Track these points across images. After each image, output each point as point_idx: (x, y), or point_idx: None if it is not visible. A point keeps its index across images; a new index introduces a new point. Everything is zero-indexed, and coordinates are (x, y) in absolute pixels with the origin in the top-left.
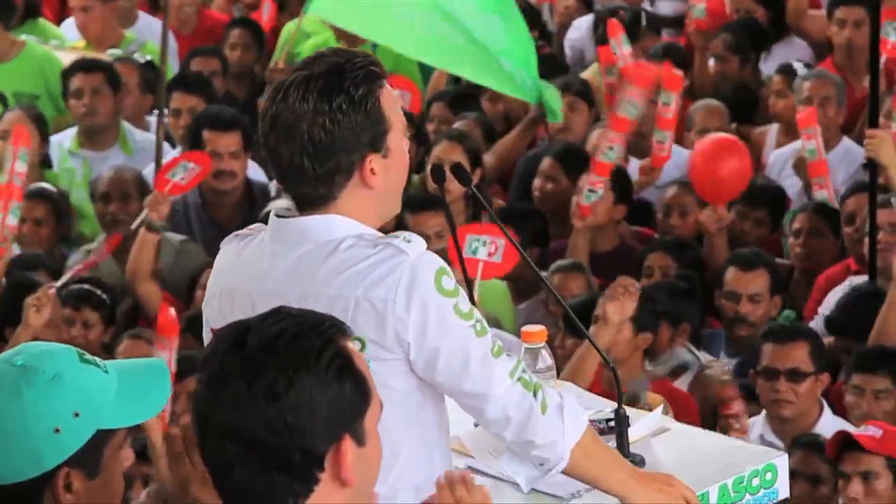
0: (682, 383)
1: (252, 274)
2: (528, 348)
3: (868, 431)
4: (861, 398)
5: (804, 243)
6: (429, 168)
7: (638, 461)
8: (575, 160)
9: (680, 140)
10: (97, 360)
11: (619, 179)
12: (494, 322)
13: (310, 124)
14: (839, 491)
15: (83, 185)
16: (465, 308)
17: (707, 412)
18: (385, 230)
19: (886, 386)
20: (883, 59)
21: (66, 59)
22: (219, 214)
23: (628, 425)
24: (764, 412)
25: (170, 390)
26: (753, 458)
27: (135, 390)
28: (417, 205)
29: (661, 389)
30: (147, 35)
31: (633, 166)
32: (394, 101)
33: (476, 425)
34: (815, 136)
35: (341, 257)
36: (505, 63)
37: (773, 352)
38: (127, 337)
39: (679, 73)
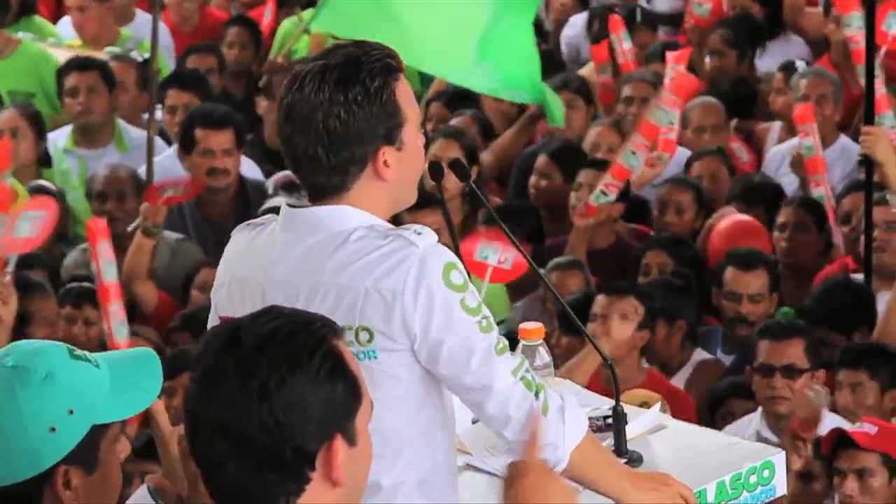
0: (679, 379)
1: (262, 263)
2: (525, 345)
3: (863, 428)
4: (841, 392)
5: (789, 237)
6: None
7: (635, 458)
8: (570, 158)
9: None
10: (87, 354)
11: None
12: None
13: (325, 114)
14: (834, 488)
15: (79, 185)
16: (472, 303)
17: (704, 409)
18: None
19: (863, 380)
20: (883, 51)
21: (62, 57)
22: (212, 212)
23: (626, 422)
24: (761, 409)
25: (161, 378)
26: (751, 455)
27: (127, 382)
28: (415, 202)
29: (658, 386)
30: (144, 33)
31: None
32: (409, 95)
33: (474, 422)
34: (813, 133)
35: (352, 248)
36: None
37: (768, 349)
38: None
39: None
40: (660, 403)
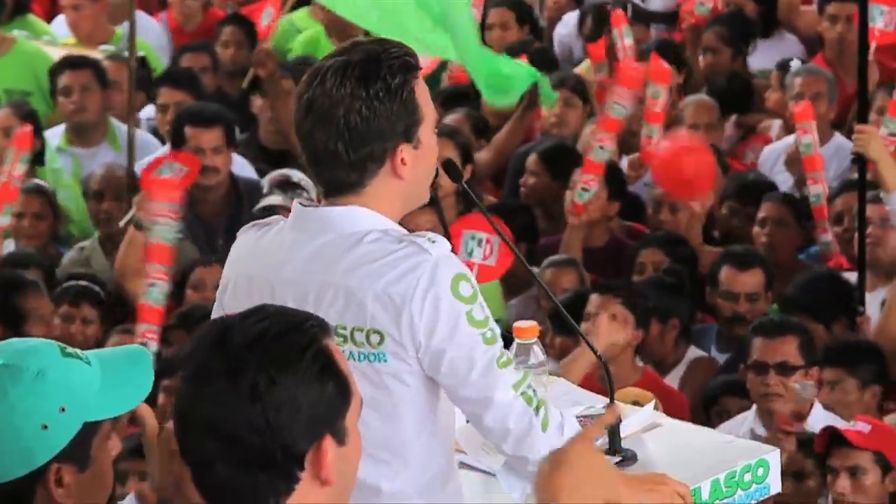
0: (673, 377)
1: (271, 262)
2: (519, 343)
3: (856, 427)
4: (822, 390)
5: (769, 233)
6: None
7: (630, 457)
8: (560, 158)
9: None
10: (79, 352)
11: (613, 176)
12: None
13: (347, 110)
14: (827, 486)
15: (72, 183)
16: (479, 316)
17: (698, 407)
18: None
19: (842, 378)
20: (872, 48)
21: (57, 55)
22: (204, 210)
23: (620, 421)
24: (755, 407)
25: (152, 375)
26: (745, 453)
27: (118, 379)
28: None
29: (652, 385)
30: (139, 32)
31: (623, 163)
32: (426, 94)
33: (468, 420)
34: (811, 131)
35: (364, 250)
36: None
37: (762, 346)
38: (117, 332)
39: (667, 66)
40: (654, 402)
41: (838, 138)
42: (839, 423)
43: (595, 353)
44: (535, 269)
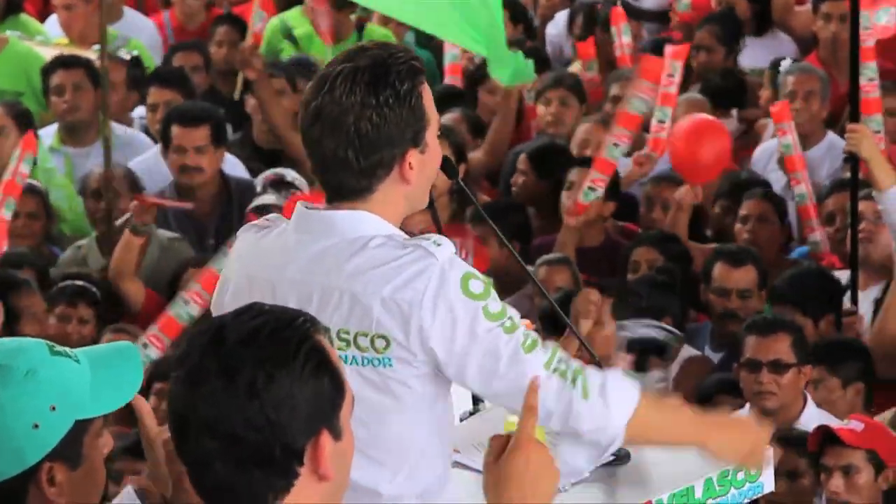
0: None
1: (273, 263)
2: None
3: (849, 425)
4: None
5: (752, 230)
6: None
7: (623, 455)
8: (548, 157)
9: None
10: (68, 350)
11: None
12: None
13: (357, 117)
14: (821, 485)
15: (66, 182)
16: (495, 309)
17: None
18: None
19: (824, 376)
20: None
21: (49, 55)
22: (194, 209)
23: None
24: (748, 405)
25: (143, 373)
26: None
27: (108, 376)
28: None
29: None
30: (132, 31)
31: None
32: (430, 97)
33: (462, 419)
34: (790, 131)
35: (370, 255)
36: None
37: (755, 344)
38: (110, 331)
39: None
40: None
41: (831, 137)
42: (832, 422)
43: (589, 352)
44: (531, 268)
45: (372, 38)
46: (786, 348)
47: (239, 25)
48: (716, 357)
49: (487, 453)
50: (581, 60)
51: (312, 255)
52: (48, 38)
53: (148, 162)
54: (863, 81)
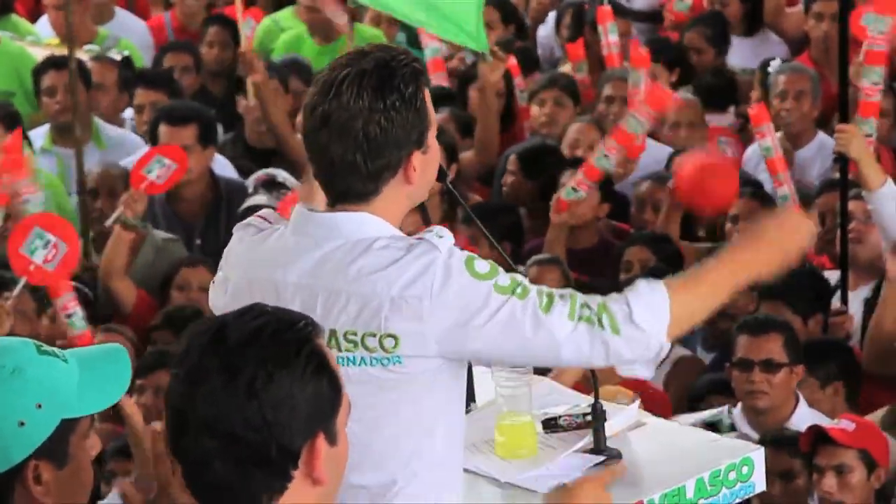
0: (657, 376)
1: (274, 266)
2: None
3: (841, 425)
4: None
5: (742, 229)
6: None
7: (615, 455)
8: (538, 158)
9: (655, 134)
10: (56, 350)
11: (604, 178)
12: None
13: (365, 122)
14: (813, 484)
15: (55, 183)
16: (504, 283)
17: (683, 405)
18: None
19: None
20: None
21: (40, 55)
22: (182, 209)
23: (605, 420)
24: (740, 405)
25: (130, 374)
26: (730, 452)
27: (96, 377)
28: None
29: (635, 385)
30: (123, 32)
31: None
32: (429, 97)
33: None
34: (769, 133)
35: (375, 256)
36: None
37: (747, 343)
38: (101, 331)
39: (644, 51)
40: (638, 401)
41: (822, 137)
42: (823, 422)
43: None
44: (521, 269)
45: (363, 37)
46: (778, 348)
47: (230, 26)
48: (708, 357)
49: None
50: (571, 62)
51: (316, 258)
52: (39, 39)
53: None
54: (866, 84)
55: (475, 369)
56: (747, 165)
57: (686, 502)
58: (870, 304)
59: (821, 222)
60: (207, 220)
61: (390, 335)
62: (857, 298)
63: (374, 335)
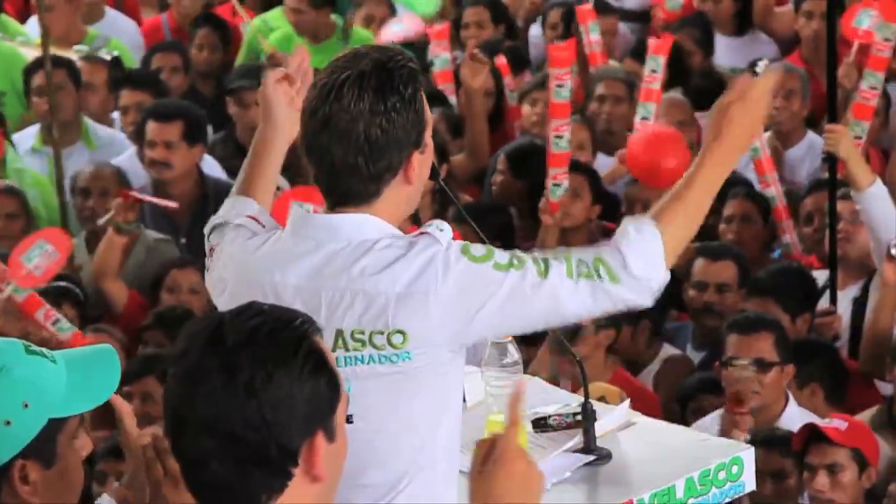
0: (646, 376)
1: (273, 268)
2: (494, 343)
3: (833, 424)
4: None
5: (736, 230)
6: None
7: (605, 455)
8: (525, 157)
9: None
10: (44, 350)
11: (593, 179)
12: None
13: (367, 124)
14: (804, 483)
15: (44, 182)
16: (503, 260)
17: (672, 404)
18: None
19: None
20: (855, 47)
21: (31, 55)
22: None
23: (595, 419)
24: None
25: (119, 375)
26: (719, 451)
27: (84, 377)
28: None
29: (624, 384)
30: (113, 32)
31: (602, 163)
32: (425, 98)
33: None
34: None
35: (377, 256)
36: None
37: (737, 342)
38: (91, 331)
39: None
40: (628, 400)
41: (811, 136)
42: (814, 421)
43: (572, 353)
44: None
45: (358, 39)
46: (768, 347)
47: (220, 28)
48: (697, 356)
49: (473, 461)
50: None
51: (317, 260)
52: (29, 39)
53: (124, 163)
54: (864, 87)
55: (464, 369)
56: (738, 165)
57: (676, 502)
58: (858, 303)
59: (809, 222)
60: (194, 219)
61: (398, 331)
62: (845, 298)
63: (382, 332)
